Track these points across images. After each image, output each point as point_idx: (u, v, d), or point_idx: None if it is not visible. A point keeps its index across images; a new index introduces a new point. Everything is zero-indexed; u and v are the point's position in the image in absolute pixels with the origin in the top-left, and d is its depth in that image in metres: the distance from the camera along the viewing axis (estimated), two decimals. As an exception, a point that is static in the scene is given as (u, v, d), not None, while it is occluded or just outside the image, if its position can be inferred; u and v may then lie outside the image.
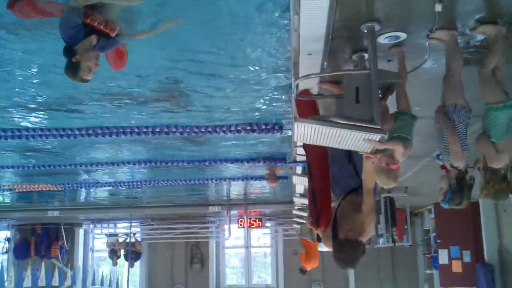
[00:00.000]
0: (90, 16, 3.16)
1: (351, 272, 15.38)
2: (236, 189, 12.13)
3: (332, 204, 4.69)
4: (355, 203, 4.18)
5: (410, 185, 10.12)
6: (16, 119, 6.18)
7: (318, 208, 4.77)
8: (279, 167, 8.91)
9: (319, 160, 4.87)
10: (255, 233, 17.25)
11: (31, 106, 5.72)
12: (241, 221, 14.95)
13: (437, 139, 3.79)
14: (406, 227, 13.29)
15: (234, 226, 15.13)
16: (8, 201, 13.25)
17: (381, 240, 13.79)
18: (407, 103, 3.79)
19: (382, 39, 3.65)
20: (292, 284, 16.04)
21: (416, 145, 6.69)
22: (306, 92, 4.55)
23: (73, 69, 3.20)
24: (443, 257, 11.37)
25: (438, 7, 3.18)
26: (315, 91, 4.57)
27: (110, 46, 3.34)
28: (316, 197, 4.84)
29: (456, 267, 11.19)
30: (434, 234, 12.20)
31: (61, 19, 3.15)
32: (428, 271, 14.04)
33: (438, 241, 11.55)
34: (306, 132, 3.50)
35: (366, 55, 3.74)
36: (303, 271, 11.53)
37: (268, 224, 16.24)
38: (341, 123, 3.29)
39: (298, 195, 9.04)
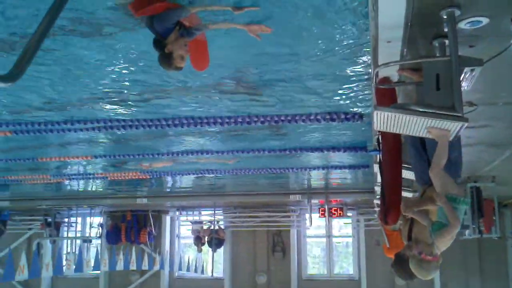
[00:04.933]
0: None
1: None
2: (317, 178, 12.15)
3: (416, 194, 4.57)
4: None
5: (497, 174, 9.73)
6: (108, 110, 6.53)
7: (386, 205, 4.66)
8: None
9: (391, 156, 4.74)
10: (337, 222, 17.21)
11: (121, 97, 6.04)
12: (322, 210, 14.96)
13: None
14: (494, 218, 12.80)
15: (316, 216, 15.18)
16: (101, 189, 14.04)
17: (467, 232, 13.36)
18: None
19: (463, 25, 3.58)
20: (374, 275, 15.88)
21: (503, 132, 6.52)
22: (386, 80, 4.53)
23: (167, 60, 3.45)
24: (534, 250, 10.86)
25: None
26: (395, 78, 4.55)
27: (193, 34, 3.52)
28: (385, 194, 4.75)
29: (549, 261, 10.66)
30: (525, 226, 11.68)
31: (164, 14, 3.37)
32: (519, 265, 13.47)
33: (529, 233, 11.04)
34: (386, 120, 3.52)
35: (446, 41, 3.68)
36: None
37: (349, 214, 16.14)
38: (421, 111, 3.28)
39: (379, 184, 8.94)
